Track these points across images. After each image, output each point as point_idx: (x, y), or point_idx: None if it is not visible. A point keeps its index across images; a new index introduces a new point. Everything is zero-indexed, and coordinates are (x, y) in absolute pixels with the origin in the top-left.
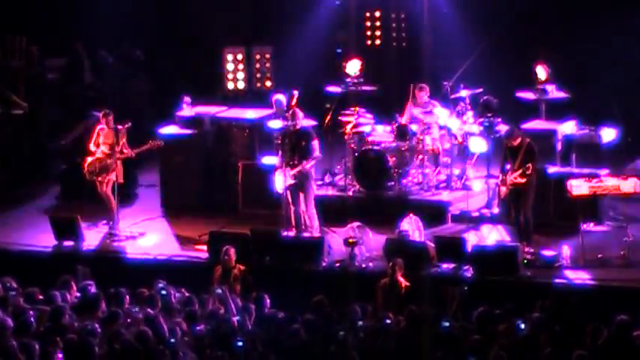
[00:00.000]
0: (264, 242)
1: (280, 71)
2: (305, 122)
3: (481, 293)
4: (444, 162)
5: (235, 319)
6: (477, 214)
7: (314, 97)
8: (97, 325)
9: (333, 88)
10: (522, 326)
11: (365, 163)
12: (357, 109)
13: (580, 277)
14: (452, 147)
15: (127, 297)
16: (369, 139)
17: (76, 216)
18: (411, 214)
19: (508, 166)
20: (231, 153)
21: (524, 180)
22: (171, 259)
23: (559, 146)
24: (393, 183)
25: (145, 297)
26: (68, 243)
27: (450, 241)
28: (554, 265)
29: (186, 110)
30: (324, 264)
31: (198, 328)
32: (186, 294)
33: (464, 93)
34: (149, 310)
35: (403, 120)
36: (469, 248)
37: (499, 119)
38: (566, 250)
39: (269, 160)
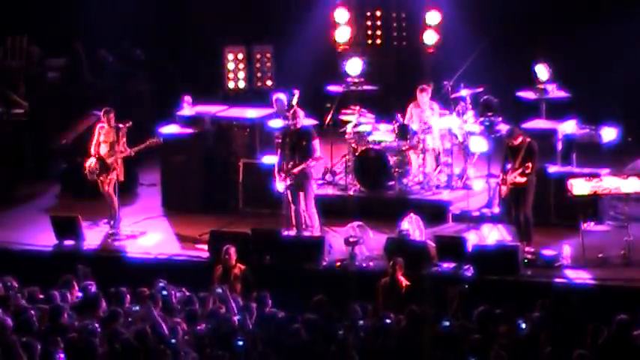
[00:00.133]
0: (265, 241)
1: (281, 70)
2: (306, 121)
3: (481, 293)
4: (444, 161)
5: (236, 318)
6: (477, 213)
7: (314, 97)
8: (96, 325)
9: (333, 88)
10: (523, 326)
11: (365, 163)
12: (359, 108)
13: (580, 276)
14: (452, 146)
15: (128, 296)
16: (370, 138)
17: (77, 215)
18: (412, 214)
19: (509, 166)
20: (232, 152)
21: (524, 179)
22: (172, 259)
23: (559, 146)
24: (393, 182)
25: (145, 296)
26: (69, 242)
27: (450, 241)
28: (555, 264)
29: (187, 109)
30: (324, 263)
31: (198, 327)
32: (187, 293)
33: (464, 92)
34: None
35: (405, 120)
36: (470, 248)
37: (500, 119)
38: (566, 250)
39: (270, 159)
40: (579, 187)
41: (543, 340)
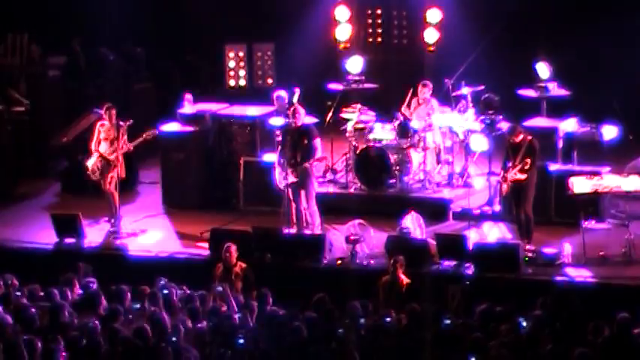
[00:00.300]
0: (266, 239)
1: (281, 68)
2: (306, 119)
3: (482, 291)
4: (445, 159)
5: (237, 316)
6: (478, 211)
7: (315, 95)
8: (97, 323)
9: (334, 86)
10: (524, 324)
11: (366, 161)
12: (358, 105)
13: (581, 274)
14: (453, 144)
15: (129, 294)
16: (371, 136)
17: (78, 213)
18: (413, 212)
19: (509, 164)
20: (233, 150)
21: (523, 176)
22: (173, 257)
23: (560, 144)
24: (394, 180)
25: (146, 294)
26: (69, 240)
27: (451, 239)
28: (555, 262)
29: (188, 107)
30: (325, 261)
31: (199, 325)
32: (187, 291)
33: (465, 90)
34: (151, 306)
35: (410, 111)
36: (470, 246)
37: (500, 117)
38: (567, 248)
39: (270, 157)
40: (580, 185)
41: (544, 338)
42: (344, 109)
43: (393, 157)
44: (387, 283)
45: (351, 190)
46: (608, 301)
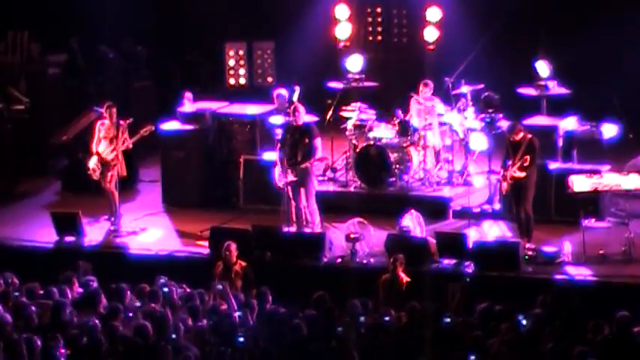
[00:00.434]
0: (265, 238)
1: (281, 67)
2: (307, 118)
3: (482, 289)
4: (445, 158)
5: (237, 314)
6: (478, 210)
7: (315, 93)
8: (97, 321)
9: (334, 84)
10: (523, 322)
11: (366, 159)
12: (358, 104)
13: (581, 273)
14: (453, 143)
15: (129, 292)
16: (370, 134)
17: (77, 211)
18: (412, 210)
19: (509, 162)
20: (233, 149)
21: (523, 174)
22: (173, 255)
23: (560, 142)
24: (394, 179)
25: (146, 292)
26: (69, 238)
27: (451, 237)
28: (555, 261)
29: (188, 106)
30: (325, 260)
31: (199, 323)
32: (187, 290)
33: (465, 89)
34: (153, 305)
35: (409, 112)
36: (470, 244)
37: (500, 115)
38: (567, 246)
39: (270, 155)
40: (580, 183)
41: (544, 337)
42: (344, 108)
43: (393, 156)
44: (386, 282)
45: (351, 189)
46: (608, 299)
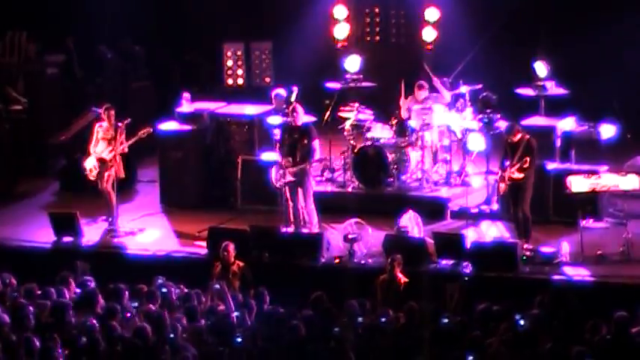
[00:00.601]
0: (263, 238)
1: (279, 67)
2: (306, 118)
3: (480, 290)
4: (443, 158)
5: (234, 314)
6: (476, 210)
7: (313, 93)
8: (95, 321)
9: (332, 85)
10: (521, 322)
11: (364, 160)
12: (357, 104)
13: (579, 273)
14: (451, 143)
15: (127, 293)
16: (368, 135)
17: (75, 212)
18: (410, 211)
19: (507, 163)
20: (231, 149)
21: (521, 175)
22: (171, 255)
23: (558, 143)
24: (392, 179)
25: (144, 293)
26: (67, 239)
27: (449, 238)
28: (553, 261)
29: (186, 106)
30: (322, 260)
31: (197, 323)
32: (185, 290)
33: (463, 89)
34: (150, 305)
35: (402, 112)
36: (468, 244)
37: (498, 115)
38: (565, 247)
39: (268, 156)
40: (578, 184)
41: (542, 337)
42: (342, 108)
43: (390, 156)
44: (384, 282)
45: (349, 189)
46: (605, 299)
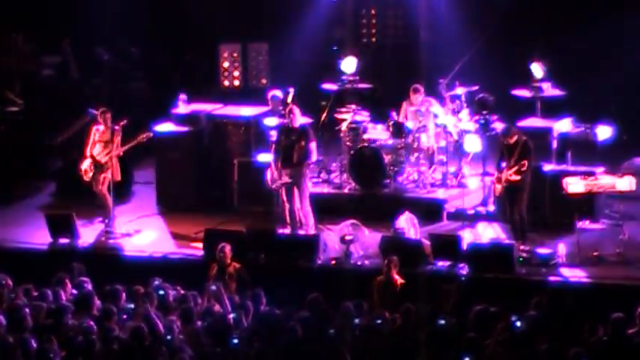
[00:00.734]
0: (260, 240)
1: (276, 68)
2: (302, 120)
3: (476, 291)
4: (439, 160)
5: (231, 316)
6: (472, 211)
7: (310, 95)
8: (92, 323)
9: (328, 86)
10: (518, 324)
11: (360, 161)
12: (353, 106)
13: (575, 274)
14: (447, 144)
15: (124, 294)
16: (365, 136)
17: (72, 213)
18: (407, 212)
19: (504, 164)
20: (227, 150)
21: (518, 177)
22: (167, 257)
23: (555, 144)
24: (388, 181)
25: (140, 294)
26: (64, 240)
27: (445, 239)
28: (550, 262)
29: (182, 107)
30: (319, 261)
31: (194, 325)
32: (182, 291)
33: (460, 90)
34: (147, 307)
35: (400, 118)
36: (464, 246)
37: (495, 117)
38: (561, 248)
39: (265, 157)
40: (574, 185)
41: (538, 339)
42: (338, 109)
43: (387, 158)
44: (381, 284)
45: (346, 191)
46: (602, 301)
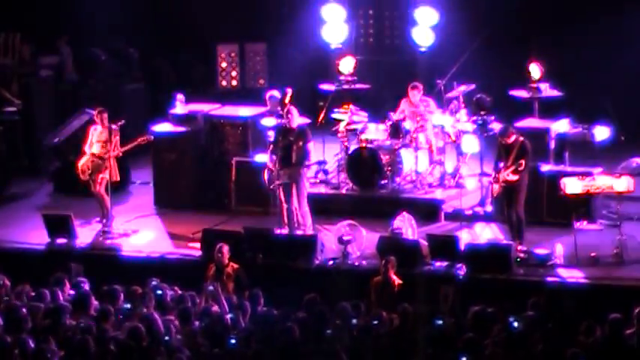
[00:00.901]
0: (257, 240)
1: (273, 69)
2: (300, 120)
3: (474, 292)
4: (437, 160)
5: (228, 316)
6: (470, 212)
7: (307, 95)
8: (90, 323)
9: (326, 86)
10: (515, 324)
11: (358, 161)
12: (350, 106)
13: (573, 275)
14: (445, 145)
15: (122, 295)
16: (363, 136)
17: (69, 214)
18: (404, 212)
19: (501, 164)
20: (225, 151)
21: (516, 177)
22: (165, 257)
23: (552, 144)
24: (386, 181)
25: (138, 294)
26: (61, 241)
27: (443, 239)
28: (547, 263)
29: (180, 108)
30: (316, 262)
31: (191, 325)
32: (179, 292)
33: (457, 91)
34: (143, 307)
35: (396, 117)
36: (462, 246)
37: (492, 117)
38: (559, 249)
39: (262, 157)
40: (572, 185)
41: (536, 339)
42: (336, 110)
43: (384, 158)
44: (378, 284)
45: (343, 191)
46: (599, 301)
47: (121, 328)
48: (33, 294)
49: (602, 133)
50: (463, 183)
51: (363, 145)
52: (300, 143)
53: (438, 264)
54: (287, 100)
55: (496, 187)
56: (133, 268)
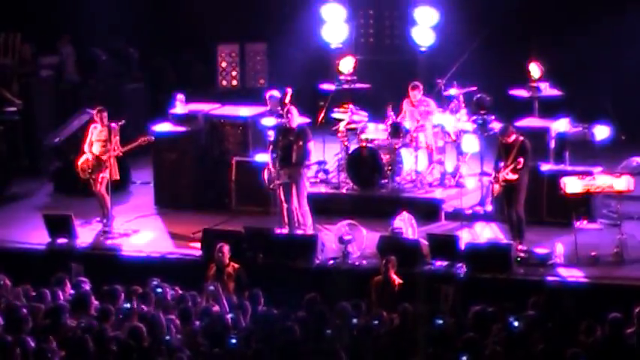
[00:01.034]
0: (258, 240)
1: (274, 68)
2: (300, 120)
3: (474, 291)
4: (437, 159)
5: (229, 316)
6: (470, 211)
7: (307, 95)
8: (91, 322)
9: (326, 86)
10: (515, 324)
11: (358, 161)
12: (350, 106)
13: (573, 274)
14: (445, 144)
15: (122, 294)
16: (363, 136)
17: (70, 214)
18: (405, 212)
19: (501, 164)
20: (225, 150)
21: (515, 176)
22: (165, 257)
23: (552, 144)
24: (386, 180)
25: (138, 294)
26: (62, 241)
27: (443, 239)
28: (547, 262)
29: (180, 107)
30: (317, 261)
31: (192, 325)
32: (180, 292)
33: (457, 90)
34: (144, 307)
35: (400, 118)
36: (462, 246)
37: (492, 117)
38: (559, 248)
39: (262, 157)
40: (572, 185)
41: (536, 339)
42: (336, 109)
43: (385, 157)
44: (379, 284)
45: (343, 191)
46: (600, 301)
47: (122, 327)
48: (34, 294)
49: (602, 132)
50: (463, 182)
51: (363, 144)
52: (300, 143)
53: (438, 263)
54: (287, 99)
55: (496, 186)
56: (133, 268)
